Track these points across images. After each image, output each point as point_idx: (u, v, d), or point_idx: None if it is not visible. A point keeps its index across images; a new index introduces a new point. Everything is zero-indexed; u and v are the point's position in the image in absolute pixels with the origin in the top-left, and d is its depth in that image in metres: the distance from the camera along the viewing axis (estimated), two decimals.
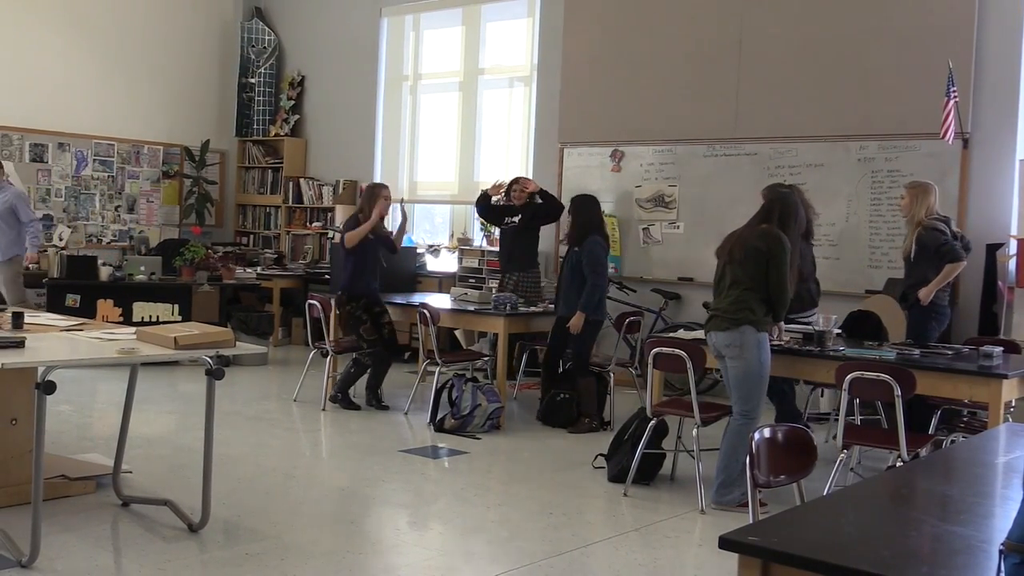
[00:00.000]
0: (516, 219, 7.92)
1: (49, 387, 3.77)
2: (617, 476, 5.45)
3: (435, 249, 10.35)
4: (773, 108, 8.16)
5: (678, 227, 8.70)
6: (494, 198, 8.09)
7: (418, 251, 10.29)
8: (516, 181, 7.98)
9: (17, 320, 4.69)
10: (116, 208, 11.07)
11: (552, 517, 4.87)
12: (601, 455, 5.74)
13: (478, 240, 9.93)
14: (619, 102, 9.02)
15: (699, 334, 6.04)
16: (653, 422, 5.31)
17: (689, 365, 5.19)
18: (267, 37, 11.79)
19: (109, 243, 10.96)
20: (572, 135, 9.32)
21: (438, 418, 6.74)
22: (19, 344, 4.06)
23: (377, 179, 10.91)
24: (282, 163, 11.58)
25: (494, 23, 10.18)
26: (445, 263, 10.23)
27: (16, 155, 10.16)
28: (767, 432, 2.81)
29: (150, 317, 8.67)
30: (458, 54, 10.42)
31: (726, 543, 2.06)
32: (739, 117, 8.34)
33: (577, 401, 6.91)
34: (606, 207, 9.01)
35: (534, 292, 7.90)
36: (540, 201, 7.92)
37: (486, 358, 7.79)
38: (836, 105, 7.85)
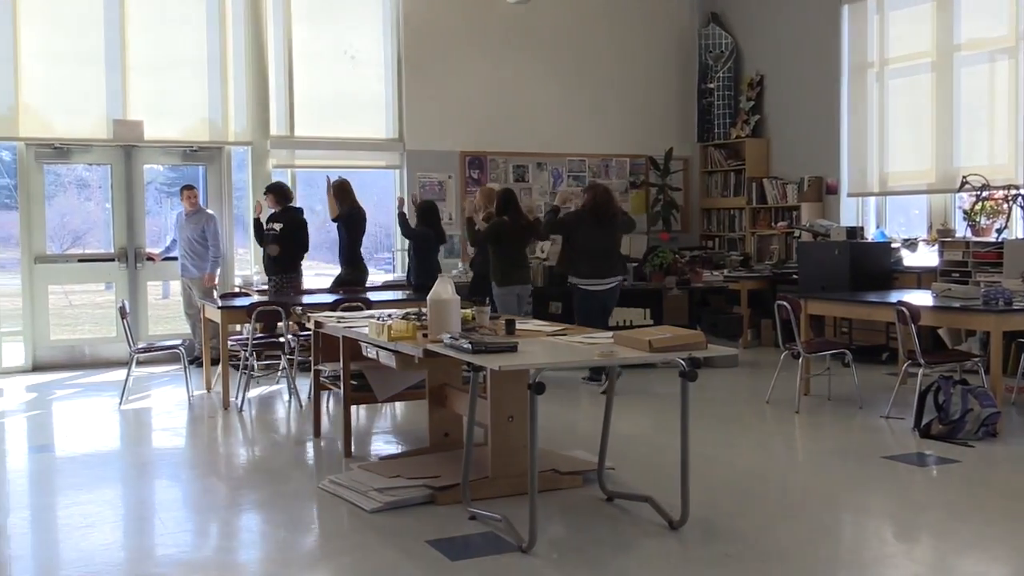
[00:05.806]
0: (277, 226, 8.90)
1: (539, 387, 4.06)
2: None
3: (911, 243, 9.69)
4: None
5: None
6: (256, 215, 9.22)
7: (893, 246, 9.71)
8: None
9: (510, 327, 5.14)
10: None
11: None
12: None
13: (961, 231, 9.13)
14: None
15: None
16: None
17: None
18: (724, 41, 11.84)
19: None
20: None
21: (923, 423, 6.29)
22: (512, 348, 4.44)
23: (844, 173, 10.49)
24: (744, 165, 11.55)
25: None
26: (923, 257, 9.54)
27: (501, 176, 11.18)
28: None
29: (624, 321, 9.08)
30: (928, 32, 9.67)
31: None
32: None
33: None
34: None
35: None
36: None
37: (976, 359, 7.12)
38: None
